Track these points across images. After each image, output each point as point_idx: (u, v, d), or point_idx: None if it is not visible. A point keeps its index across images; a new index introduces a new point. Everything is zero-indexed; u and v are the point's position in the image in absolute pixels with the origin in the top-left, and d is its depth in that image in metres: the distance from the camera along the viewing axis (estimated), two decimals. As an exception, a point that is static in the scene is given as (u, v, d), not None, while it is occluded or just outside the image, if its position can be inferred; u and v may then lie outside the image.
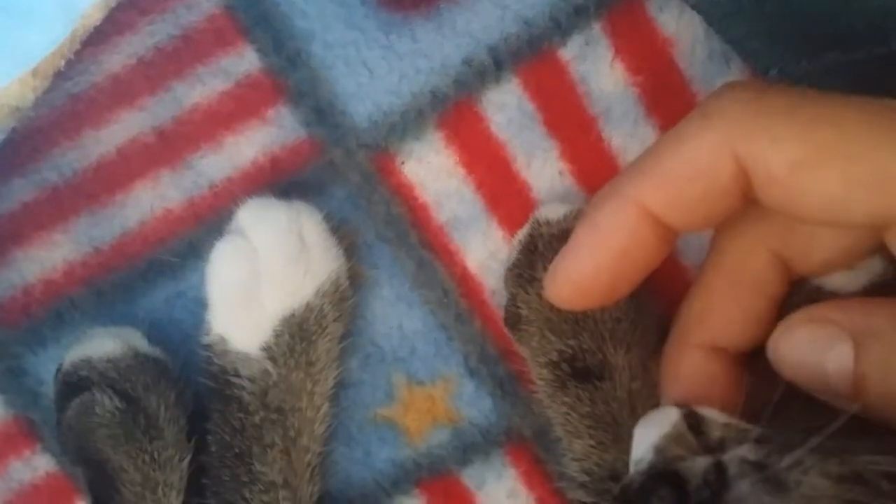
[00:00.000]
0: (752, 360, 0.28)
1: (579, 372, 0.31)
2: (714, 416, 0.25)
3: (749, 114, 0.24)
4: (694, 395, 0.28)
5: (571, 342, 0.31)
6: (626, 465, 0.31)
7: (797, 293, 0.29)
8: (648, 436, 0.25)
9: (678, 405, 0.26)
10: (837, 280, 0.29)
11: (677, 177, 0.25)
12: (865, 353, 0.24)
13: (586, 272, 0.27)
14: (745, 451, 0.23)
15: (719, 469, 0.23)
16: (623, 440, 0.31)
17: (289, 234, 0.32)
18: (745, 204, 0.26)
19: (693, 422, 0.25)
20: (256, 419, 0.32)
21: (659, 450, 0.25)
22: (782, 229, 0.28)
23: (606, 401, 0.31)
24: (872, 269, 0.29)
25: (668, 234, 0.26)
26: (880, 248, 0.26)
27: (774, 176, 0.24)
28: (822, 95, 0.24)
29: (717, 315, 0.28)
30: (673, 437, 0.25)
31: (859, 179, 0.23)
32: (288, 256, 0.32)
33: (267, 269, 0.32)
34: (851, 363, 0.24)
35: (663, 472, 0.24)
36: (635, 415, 0.31)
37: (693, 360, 0.28)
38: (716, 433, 0.25)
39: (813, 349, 0.25)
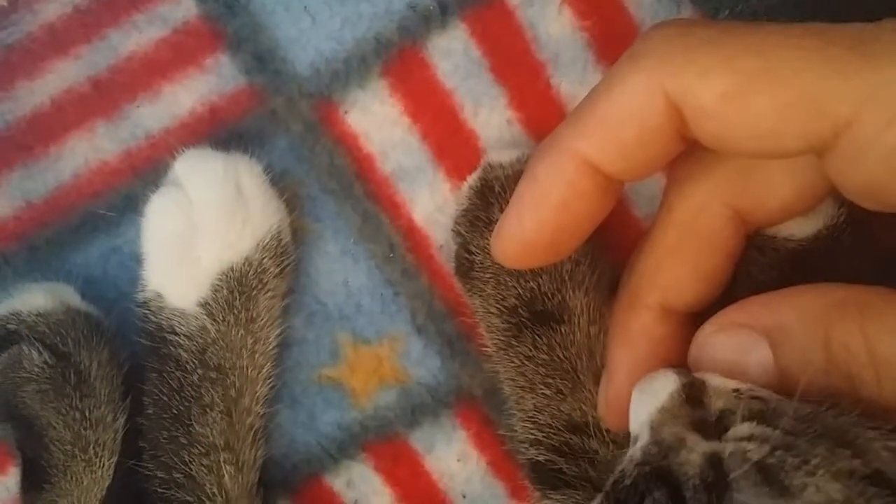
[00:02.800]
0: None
1: (538, 316, 0.30)
2: (717, 382, 0.24)
3: (676, 50, 0.24)
4: (643, 358, 0.28)
5: (531, 284, 0.30)
6: (584, 414, 0.30)
7: (754, 248, 0.28)
8: (644, 405, 0.24)
9: (675, 369, 0.25)
10: (791, 227, 0.28)
11: (610, 121, 0.25)
12: (782, 351, 0.24)
13: (529, 228, 0.26)
14: (748, 442, 0.21)
15: (717, 468, 0.21)
16: (582, 388, 0.30)
17: (225, 186, 0.31)
18: (683, 145, 0.25)
19: (693, 391, 0.23)
20: (195, 378, 0.31)
21: (654, 427, 0.23)
22: (736, 178, 0.27)
23: (565, 345, 0.30)
24: (825, 212, 0.28)
25: (610, 184, 0.26)
26: (833, 191, 0.25)
27: (706, 110, 0.23)
28: (748, 25, 0.24)
29: (668, 274, 0.27)
30: (669, 411, 0.23)
31: (789, 104, 0.22)
32: (225, 208, 0.31)
33: (203, 222, 0.31)
34: (772, 363, 0.24)
35: (657, 470, 0.22)
36: (594, 360, 0.30)
37: (643, 322, 0.28)
38: (718, 403, 0.23)
39: (733, 357, 0.24)
